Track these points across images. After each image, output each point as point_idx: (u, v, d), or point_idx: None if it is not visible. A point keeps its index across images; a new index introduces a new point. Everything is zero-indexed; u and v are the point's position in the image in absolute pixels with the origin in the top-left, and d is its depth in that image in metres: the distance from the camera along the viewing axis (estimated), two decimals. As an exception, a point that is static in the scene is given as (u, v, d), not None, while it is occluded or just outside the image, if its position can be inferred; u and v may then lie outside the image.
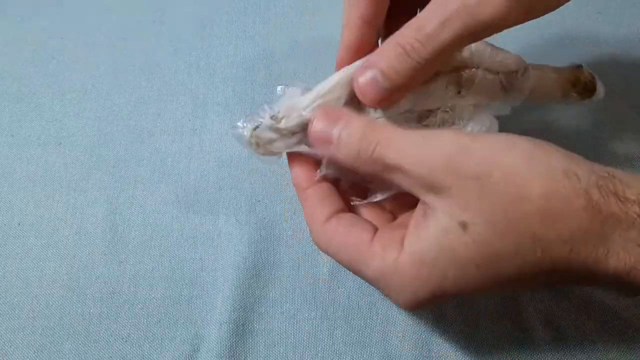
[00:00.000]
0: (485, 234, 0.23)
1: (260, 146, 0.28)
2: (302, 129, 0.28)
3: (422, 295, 0.25)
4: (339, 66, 0.29)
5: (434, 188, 0.24)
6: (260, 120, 0.28)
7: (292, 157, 0.29)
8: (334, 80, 0.28)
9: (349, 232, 0.26)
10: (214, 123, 0.41)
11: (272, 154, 0.29)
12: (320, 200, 0.28)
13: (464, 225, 0.23)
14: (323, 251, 0.27)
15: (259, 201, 0.37)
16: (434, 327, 0.33)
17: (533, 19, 0.27)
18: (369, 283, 0.27)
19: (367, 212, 0.29)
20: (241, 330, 0.33)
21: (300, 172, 0.29)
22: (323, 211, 0.27)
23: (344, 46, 0.29)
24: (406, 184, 0.25)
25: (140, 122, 0.41)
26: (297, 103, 0.28)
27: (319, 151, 0.27)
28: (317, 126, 0.27)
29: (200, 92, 0.43)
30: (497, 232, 0.23)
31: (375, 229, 0.27)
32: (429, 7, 0.26)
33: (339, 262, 0.27)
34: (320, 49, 0.44)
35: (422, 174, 0.24)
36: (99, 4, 0.49)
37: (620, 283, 0.23)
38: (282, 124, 0.28)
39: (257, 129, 0.28)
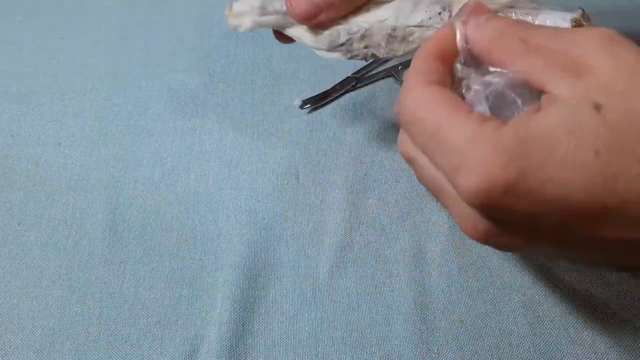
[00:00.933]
0: (620, 120, 0.20)
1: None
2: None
3: (510, 172, 0.20)
4: None
5: (576, 67, 0.21)
6: None
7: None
8: None
9: (449, 97, 0.23)
10: (214, 123, 0.41)
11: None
12: (435, 65, 0.24)
13: (597, 106, 0.20)
14: (406, 113, 0.24)
15: (259, 201, 0.37)
16: (434, 328, 0.33)
17: None
18: (446, 153, 0.22)
19: None
20: (241, 330, 0.33)
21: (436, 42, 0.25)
22: (434, 74, 0.24)
23: None
24: (541, 67, 0.22)
25: (140, 122, 0.41)
26: None
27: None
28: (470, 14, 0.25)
29: (200, 92, 0.43)
30: (635, 125, 0.20)
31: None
32: None
33: (420, 126, 0.23)
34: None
35: (570, 50, 0.21)
36: (99, 4, 0.49)
37: None
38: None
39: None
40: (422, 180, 0.26)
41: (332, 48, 0.31)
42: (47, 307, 0.34)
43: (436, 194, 0.26)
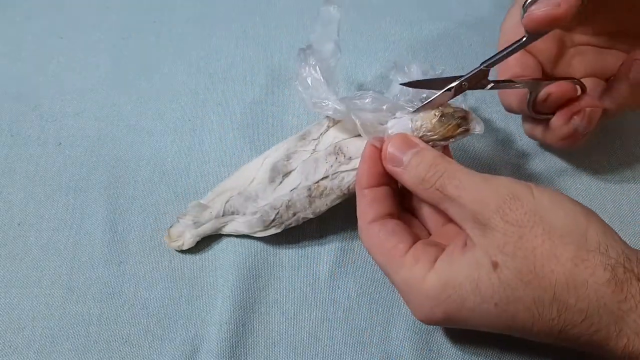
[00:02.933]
0: (511, 277, 0.25)
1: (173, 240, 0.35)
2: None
3: (438, 314, 0.27)
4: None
5: (481, 224, 0.26)
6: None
7: (363, 157, 0.31)
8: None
9: (388, 238, 0.29)
10: (213, 123, 0.41)
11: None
12: (372, 202, 0.30)
13: (495, 264, 0.25)
14: (365, 247, 0.30)
15: (259, 201, 0.37)
16: (434, 328, 0.33)
17: None
18: (396, 287, 0.29)
19: (408, 222, 0.31)
20: (241, 330, 0.33)
21: (364, 172, 0.31)
22: (371, 212, 0.30)
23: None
24: (458, 215, 0.27)
25: (140, 122, 0.41)
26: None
27: (389, 171, 0.30)
28: (391, 148, 0.30)
29: (200, 92, 0.43)
30: (522, 280, 0.25)
31: (413, 241, 0.29)
32: None
33: (375, 261, 0.30)
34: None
35: (475, 210, 0.26)
36: (99, 4, 0.49)
37: None
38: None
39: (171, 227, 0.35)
40: None
41: (266, 226, 0.34)
42: (48, 307, 0.34)
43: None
